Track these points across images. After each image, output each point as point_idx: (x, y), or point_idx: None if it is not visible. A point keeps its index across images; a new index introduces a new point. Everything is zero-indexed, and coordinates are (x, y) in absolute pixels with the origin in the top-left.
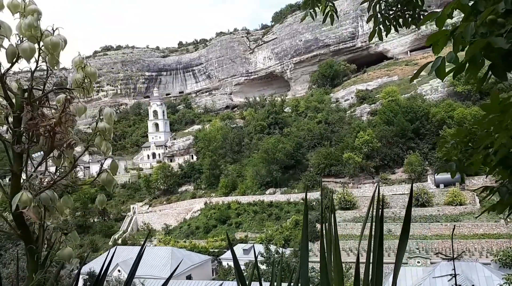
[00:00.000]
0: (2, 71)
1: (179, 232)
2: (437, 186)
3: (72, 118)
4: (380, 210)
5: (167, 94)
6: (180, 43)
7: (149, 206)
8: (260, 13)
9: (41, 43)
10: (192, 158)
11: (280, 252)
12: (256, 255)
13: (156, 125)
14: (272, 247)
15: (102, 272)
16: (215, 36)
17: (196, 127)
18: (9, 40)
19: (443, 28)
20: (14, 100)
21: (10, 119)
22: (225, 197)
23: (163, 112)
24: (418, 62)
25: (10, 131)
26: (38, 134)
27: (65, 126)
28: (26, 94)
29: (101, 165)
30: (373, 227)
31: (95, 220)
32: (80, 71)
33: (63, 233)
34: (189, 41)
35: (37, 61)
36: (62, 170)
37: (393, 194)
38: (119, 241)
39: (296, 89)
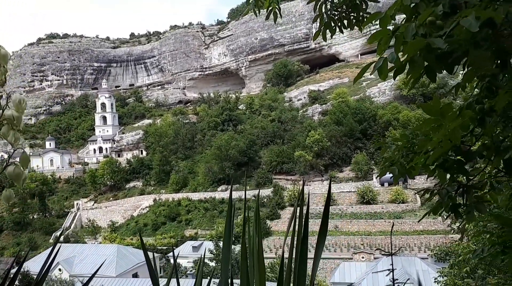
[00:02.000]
0: None
1: (126, 229)
2: (382, 184)
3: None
4: (305, 207)
5: (116, 87)
6: (132, 35)
7: (95, 202)
8: (217, 9)
9: None
10: (142, 153)
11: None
12: (205, 252)
13: (104, 118)
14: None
15: (43, 271)
16: (169, 29)
17: (146, 121)
18: None
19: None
20: None
21: None
22: (176, 194)
23: (112, 105)
24: None
25: None
26: None
27: None
28: None
29: (9, 156)
30: (297, 223)
31: (35, 216)
32: None
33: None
34: (142, 33)
35: None
36: None
37: (340, 192)
38: (61, 239)
39: (251, 87)
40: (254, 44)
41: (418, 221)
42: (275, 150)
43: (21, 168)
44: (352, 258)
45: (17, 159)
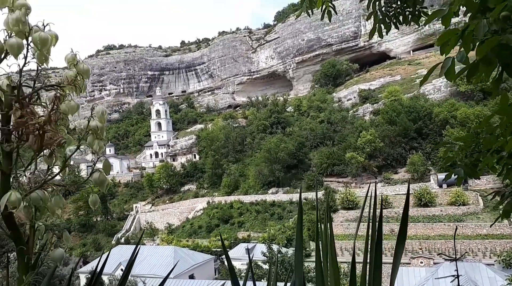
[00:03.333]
0: None
1: (182, 231)
2: (440, 186)
3: (63, 116)
4: (379, 210)
5: (169, 93)
6: (183, 42)
7: (152, 205)
8: (261, 12)
9: (30, 39)
10: (195, 157)
11: (283, 252)
12: (250, 255)
13: (159, 124)
14: (275, 247)
15: (98, 270)
16: (217, 35)
17: (198, 126)
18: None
19: (450, 27)
20: (2, 98)
21: None
22: (228, 197)
23: (166, 111)
24: (421, 62)
25: None
26: (27, 132)
27: (56, 125)
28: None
29: (94, 164)
30: (371, 227)
31: (98, 219)
32: (72, 68)
33: (54, 234)
34: (192, 40)
35: (25, 58)
36: (55, 169)
37: (396, 194)
38: (122, 240)
39: (299, 89)
40: (301, 45)
41: (491, 226)
42: (325, 152)
43: (105, 174)
44: (410, 263)
45: (100, 166)
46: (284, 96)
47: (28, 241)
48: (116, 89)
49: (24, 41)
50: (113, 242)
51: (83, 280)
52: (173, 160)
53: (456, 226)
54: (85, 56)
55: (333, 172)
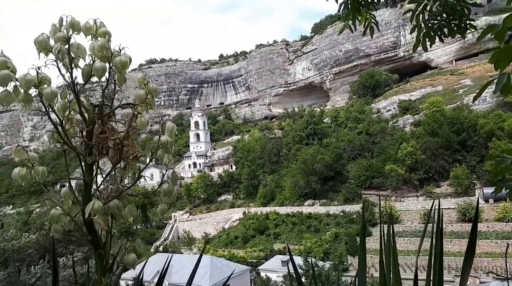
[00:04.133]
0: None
1: (218, 241)
2: (486, 200)
3: (138, 131)
4: (439, 225)
5: (208, 105)
6: (221, 56)
7: (190, 214)
8: (298, 25)
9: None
10: (231, 168)
11: (319, 265)
12: (287, 267)
13: (197, 135)
14: (312, 260)
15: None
16: (254, 48)
17: (235, 137)
18: (84, 61)
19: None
20: (86, 115)
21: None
22: (263, 208)
23: (204, 122)
24: (465, 71)
25: (83, 143)
26: (107, 146)
27: (132, 140)
28: (96, 110)
29: (163, 176)
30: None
31: (138, 227)
32: (143, 87)
33: (127, 240)
34: (230, 53)
35: (107, 79)
36: (127, 180)
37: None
38: (160, 248)
39: (336, 100)
40: (339, 56)
41: None
42: (364, 163)
43: (172, 185)
44: (454, 281)
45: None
46: (321, 107)
47: (105, 245)
48: (157, 101)
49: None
50: (152, 250)
51: None
52: (211, 170)
53: (508, 244)
54: (129, 70)
55: (372, 185)
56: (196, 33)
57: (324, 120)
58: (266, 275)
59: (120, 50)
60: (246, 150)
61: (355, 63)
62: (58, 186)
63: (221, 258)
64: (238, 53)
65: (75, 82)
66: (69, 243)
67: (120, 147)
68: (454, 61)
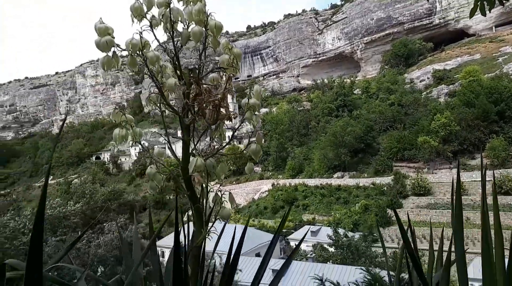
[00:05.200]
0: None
1: (248, 211)
2: None
3: (232, 93)
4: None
5: (236, 78)
6: (249, 27)
7: (220, 185)
8: None
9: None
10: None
11: (349, 236)
12: (315, 238)
13: None
14: (341, 231)
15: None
16: (283, 19)
17: (263, 110)
18: (183, 24)
19: None
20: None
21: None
22: (292, 180)
23: (232, 95)
24: (505, 38)
25: (180, 106)
26: (203, 108)
27: (226, 101)
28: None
29: (249, 137)
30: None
31: (171, 197)
32: (228, 52)
33: (222, 195)
34: (257, 24)
35: (204, 43)
36: (216, 141)
37: (472, 181)
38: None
39: (367, 70)
40: (370, 25)
41: None
42: (395, 135)
43: (259, 146)
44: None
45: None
46: (351, 78)
47: (201, 200)
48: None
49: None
50: (185, 219)
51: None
52: (239, 143)
53: None
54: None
55: (404, 157)
56: (223, 4)
57: (354, 91)
58: (295, 244)
59: (207, 16)
60: (274, 122)
61: (387, 32)
62: (93, 157)
63: (251, 228)
64: (266, 23)
65: (176, 46)
66: (109, 211)
67: (217, 109)
68: (494, 27)
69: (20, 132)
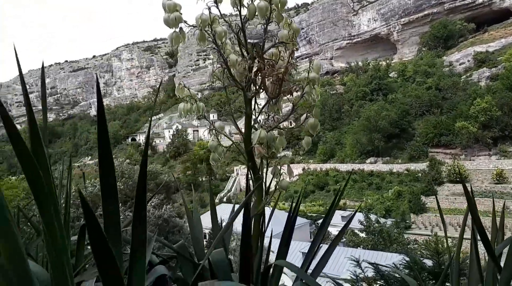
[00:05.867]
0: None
1: (280, 195)
2: None
3: (295, 67)
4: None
5: None
6: None
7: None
8: None
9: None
10: (291, 124)
11: (381, 222)
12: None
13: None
14: (372, 216)
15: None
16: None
17: (295, 94)
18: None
19: None
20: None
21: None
22: (323, 164)
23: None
24: None
25: (245, 79)
26: (264, 82)
27: (288, 75)
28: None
29: (307, 111)
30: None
31: (203, 179)
32: (286, 27)
33: (279, 164)
34: (290, 5)
35: (268, 19)
36: (272, 115)
37: None
38: (224, 199)
39: (403, 52)
40: (408, 5)
41: None
42: (432, 120)
43: (317, 120)
44: None
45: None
46: (387, 61)
47: (261, 171)
48: (212, 59)
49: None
50: (217, 200)
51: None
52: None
53: None
54: (189, 29)
55: (440, 143)
56: None
57: (390, 75)
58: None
59: None
60: (306, 106)
61: (426, 12)
62: (129, 139)
63: (282, 211)
64: (299, 5)
65: (243, 20)
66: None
67: (280, 82)
68: None
69: (61, 114)
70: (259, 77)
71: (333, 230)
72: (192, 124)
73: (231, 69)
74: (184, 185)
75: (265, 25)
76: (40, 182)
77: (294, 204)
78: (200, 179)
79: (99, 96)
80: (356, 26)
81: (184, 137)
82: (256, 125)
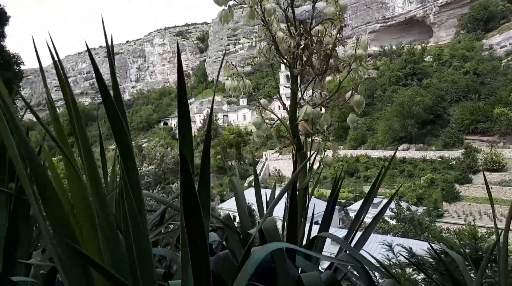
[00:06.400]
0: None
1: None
2: None
3: (343, 43)
4: None
5: None
6: None
7: (280, 153)
8: None
9: None
10: (321, 109)
11: (412, 210)
12: (376, 210)
13: (287, 76)
14: (404, 204)
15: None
16: None
17: (327, 78)
18: None
19: None
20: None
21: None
22: (354, 150)
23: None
24: None
25: (290, 56)
26: (311, 59)
27: (336, 52)
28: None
29: (353, 88)
30: None
31: (233, 163)
32: (333, 4)
33: (325, 142)
34: None
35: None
36: (317, 92)
37: None
38: (253, 184)
39: (440, 36)
40: None
41: None
42: (469, 107)
43: (362, 97)
44: None
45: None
46: (422, 44)
47: (305, 148)
48: (248, 42)
49: None
50: (246, 184)
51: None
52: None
53: None
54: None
55: (477, 130)
56: None
57: (425, 59)
58: (354, 215)
59: None
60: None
61: None
62: (161, 123)
63: (313, 198)
64: None
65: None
66: (177, 173)
67: (327, 59)
68: None
69: (96, 98)
70: (306, 54)
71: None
72: (222, 109)
73: (279, 46)
74: (214, 168)
75: (313, 2)
76: (127, 141)
77: (337, 180)
78: (230, 164)
79: (180, 71)
80: (390, 9)
81: (215, 122)
82: (301, 102)
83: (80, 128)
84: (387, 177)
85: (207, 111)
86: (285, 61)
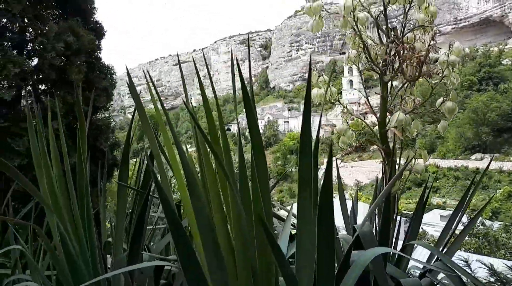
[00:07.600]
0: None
1: (370, 189)
2: None
3: (437, 49)
4: None
5: None
6: None
7: (341, 161)
8: None
9: None
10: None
11: (487, 224)
12: (443, 223)
13: (351, 82)
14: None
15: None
16: None
17: (394, 83)
18: None
19: None
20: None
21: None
22: (421, 159)
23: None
24: None
25: (382, 63)
26: (402, 65)
27: (429, 58)
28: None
29: (444, 95)
30: None
31: (293, 169)
32: (424, 11)
33: (415, 150)
34: None
35: (410, 3)
36: (409, 99)
37: None
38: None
39: None
40: None
41: None
42: None
43: (455, 103)
44: None
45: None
46: (499, 47)
47: (394, 155)
48: (311, 48)
49: None
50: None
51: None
52: (364, 119)
53: None
54: (284, 18)
55: None
56: None
57: (502, 62)
58: (422, 228)
59: None
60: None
61: None
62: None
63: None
64: None
65: (385, 4)
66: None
67: (420, 65)
68: None
69: (165, 105)
70: (396, 61)
71: (430, 230)
72: (283, 115)
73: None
74: (274, 175)
75: (406, 9)
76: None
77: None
78: (290, 170)
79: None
80: (463, 9)
81: (275, 128)
82: (392, 108)
83: (221, 123)
84: (458, 188)
85: (268, 117)
86: (376, 67)
